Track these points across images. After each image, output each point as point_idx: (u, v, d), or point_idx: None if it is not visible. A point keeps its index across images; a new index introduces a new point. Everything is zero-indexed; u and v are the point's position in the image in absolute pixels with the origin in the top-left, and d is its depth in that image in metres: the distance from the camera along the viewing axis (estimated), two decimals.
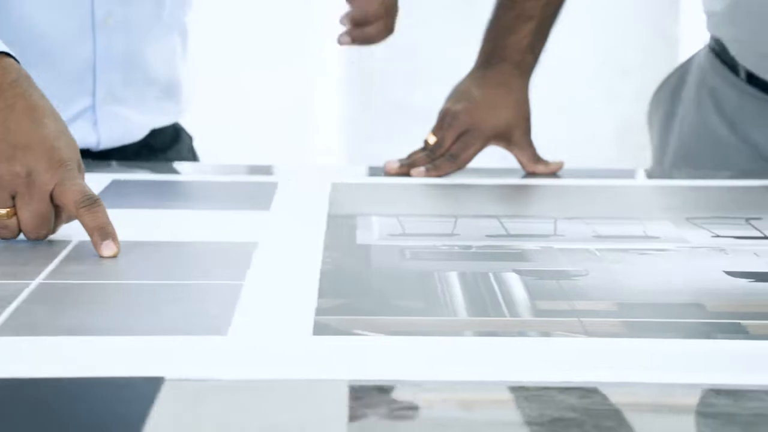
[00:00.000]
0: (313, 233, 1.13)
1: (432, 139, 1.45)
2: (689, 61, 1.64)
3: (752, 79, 1.51)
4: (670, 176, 1.52)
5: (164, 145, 1.57)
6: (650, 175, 1.49)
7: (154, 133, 1.54)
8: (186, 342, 0.82)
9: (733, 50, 1.52)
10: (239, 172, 1.48)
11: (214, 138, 1.72)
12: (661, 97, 1.66)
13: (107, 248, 1.02)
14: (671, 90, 1.64)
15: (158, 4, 1.48)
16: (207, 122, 1.69)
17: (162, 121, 1.54)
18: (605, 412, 0.74)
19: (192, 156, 1.63)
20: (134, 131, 1.50)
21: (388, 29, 1.52)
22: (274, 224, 1.17)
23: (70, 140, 1.08)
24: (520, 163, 1.46)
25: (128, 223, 1.13)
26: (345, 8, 1.51)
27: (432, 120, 1.48)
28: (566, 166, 1.46)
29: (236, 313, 0.88)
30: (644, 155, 1.69)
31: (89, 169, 1.38)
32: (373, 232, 1.15)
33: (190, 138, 1.64)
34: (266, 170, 1.49)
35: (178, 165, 1.50)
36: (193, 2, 1.57)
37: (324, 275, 0.99)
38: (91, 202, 1.03)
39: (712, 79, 1.56)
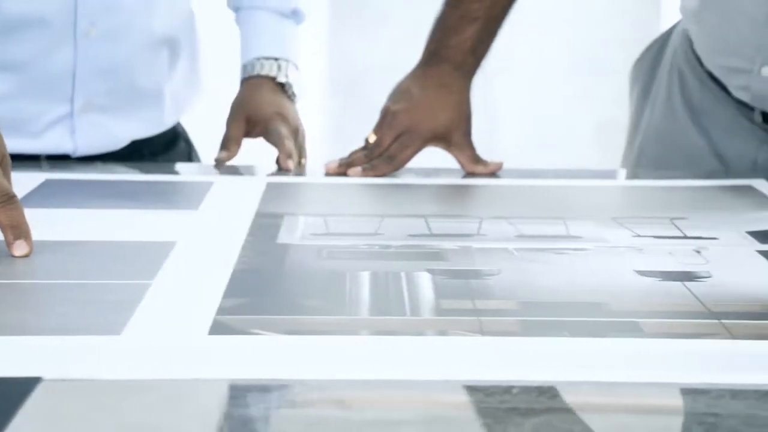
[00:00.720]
0: (235, 233, 1.13)
1: (372, 138, 1.45)
2: (670, 31, 1.63)
3: (712, 75, 1.51)
4: (609, 176, 1.52)
5: (155, 152, 1.57)
6: (589, 174, 1.49)
7: (144, 141, 1.54)
8: (76, 342, 0.82)
9: (698, 48, 1.52)
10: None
11: (206, 143, 1.72)
12: (640, 68, 1.65)
13: (19, 248, 1.02)
14: (650, 61, 1.63)
15: (145, 16, 1.48)
16: (197, 128, 1.69)
17: (145, 131, 1.54)
18: (484, 410, 0.74)
19: (189, 161, 1.63)
20: (114, 141, 1.50)
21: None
22: (198, 224, 1.17)
23: None
24: (460, 163, 1.47)
25: (51, 222, 1.14)
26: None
27: None
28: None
29: (136, 313, 0.88)
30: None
31: (71, 169, 1.40)
32: (296, 231, 1.16)
33: (188, 144, 1.64)
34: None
35: (151, 166, 1.49)
36: (186, 17, 1.57)
37: (235, 275, 1.00)
38: (7, 200, 1.03)
39: (682, 63, 1.56)
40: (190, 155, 1.62)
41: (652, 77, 1.60)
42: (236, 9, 1.63)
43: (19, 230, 1.03)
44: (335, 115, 4.31)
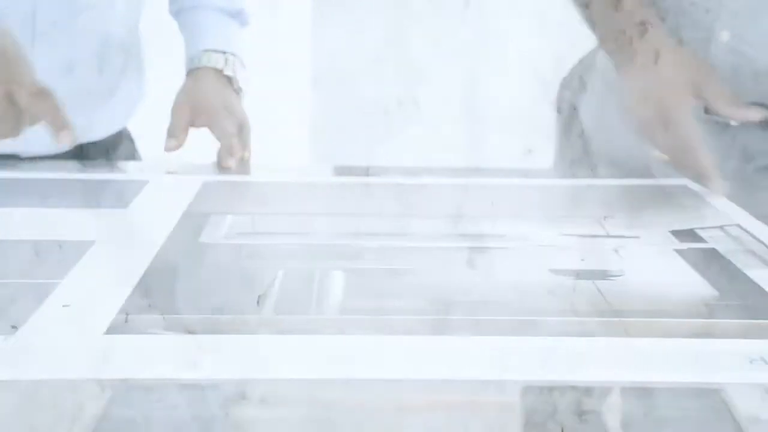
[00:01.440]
0: (158, 232, 1.13)
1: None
2: (597, 49, 1.62)
3: None
4: (543, 175, 1.52)
5: (100, 151, 1.56)
6: (525, 174, 1.48)
7: (90, 142, 1.54)
8: None
9: None
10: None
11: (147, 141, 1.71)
12: (567, 87, 1.64)
13: None
14: (579, 79, 1.62)
15: (104, 18, 1.47)
16: (138, 127, 1.69)
17: (96, 134, 1.54)
18: (347, 407, 0.74)
19: (132, 160, 1.62)
20: None
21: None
22: (123, 222, 1.17)
23: None
24: (719, 109, 1.37)
25: None
26: None
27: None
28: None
29: (36, 313, 0.88)
30: None
31: (14, 168, 1.40)
32: (221, 230, 1.15)
33: (132, 142, 1.63)
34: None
35: (92, 164, 1.49)
36: (137, 20, 1.57)
37: (147, 274, 0.99)
38: None
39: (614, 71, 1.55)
40: (133, 154, 1.62)
41: (581, 92, 1.59)
42: (177, 13, 1.62)
43: None
44: (319, 111, 4.30)
